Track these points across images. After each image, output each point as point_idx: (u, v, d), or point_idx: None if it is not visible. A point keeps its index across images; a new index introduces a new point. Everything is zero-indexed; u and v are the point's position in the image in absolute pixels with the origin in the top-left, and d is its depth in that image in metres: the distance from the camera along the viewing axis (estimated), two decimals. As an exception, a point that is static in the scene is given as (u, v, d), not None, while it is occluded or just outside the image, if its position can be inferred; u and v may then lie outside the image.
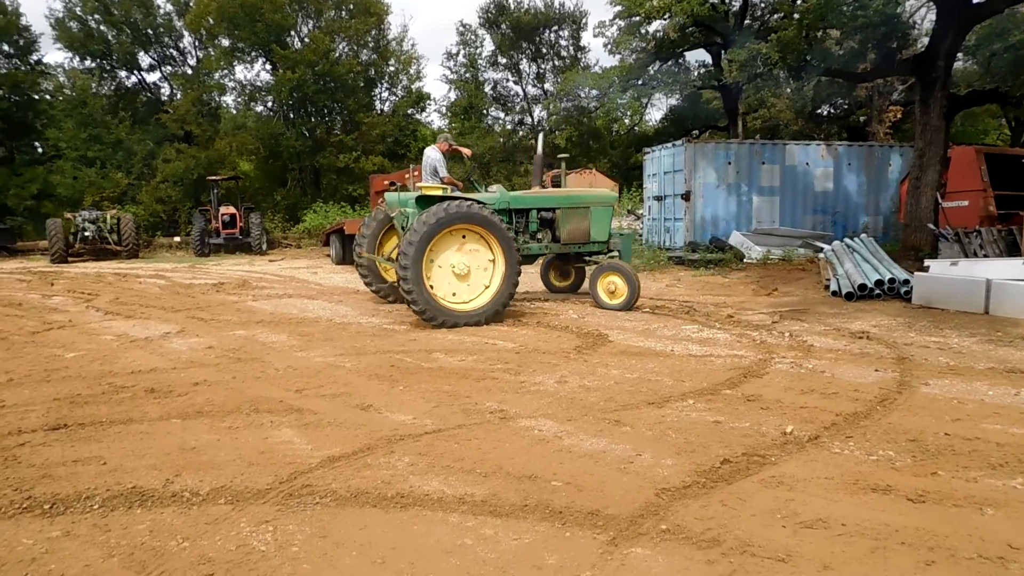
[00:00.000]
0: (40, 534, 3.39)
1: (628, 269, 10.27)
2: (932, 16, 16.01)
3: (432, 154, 10.96)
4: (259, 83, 36.10)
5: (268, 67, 35.15)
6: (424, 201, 9.13)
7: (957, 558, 3.00)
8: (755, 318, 9.13)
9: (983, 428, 4.70)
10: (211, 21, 32.73)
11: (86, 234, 24.12)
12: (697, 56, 31.05)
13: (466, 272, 8.98)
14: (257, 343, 8.10)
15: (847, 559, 3.01)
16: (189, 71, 37.11)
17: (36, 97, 36.48)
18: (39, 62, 36.74)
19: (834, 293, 11.04)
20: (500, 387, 5.90)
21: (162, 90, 38.79)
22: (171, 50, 37.57)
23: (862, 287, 10.57)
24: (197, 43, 36.88)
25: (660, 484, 3.82)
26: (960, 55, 18.61)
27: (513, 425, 4.87)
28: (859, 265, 11.49)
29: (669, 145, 18.25)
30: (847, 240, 13.04)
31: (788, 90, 29.39)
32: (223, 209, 25.89)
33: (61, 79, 38.20)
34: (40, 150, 37.82)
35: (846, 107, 32.13)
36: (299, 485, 3.87)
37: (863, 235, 13.74)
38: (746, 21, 23.28)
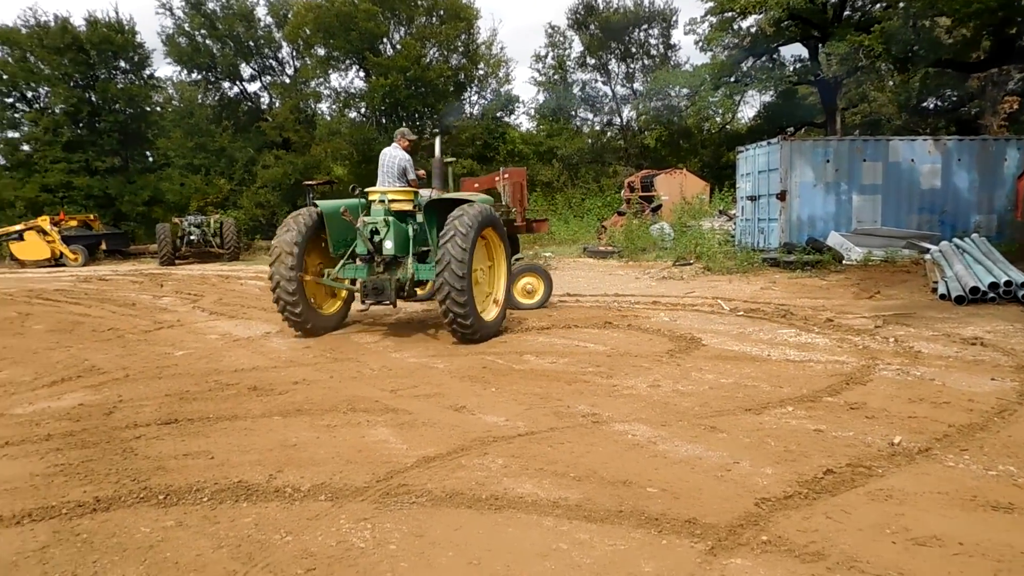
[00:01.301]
0: (156, 523, 3.58)
1: (541, 267, 10.48)
2: (1055, -1, 14.94)
3: (398, 154, 9.19)
4: (353, 90, 37.16)
5: (361, 74, 36.13)
6: (438, 206, 8.45)
7: (1092, 584, 2.78)
8: (856, 322, 8.75)
9: (1117, 443, 4.34)
10: (308, 32, 33.88)
11: (191, 237, 25.41)
12: (793, 51, 30.07)
13: (482, 281, 8.41)
14: (352, 343, 8.33)
15: (966, 580, 2.83)
16: (287, 80, 38.54)
17: (148, 109, 38.70)
18: (151, 76, 38.96)
19: (942, 296, 10.44)
20: (592, 390, 5.86)
21: (262, 99, 40.44)
22: (271, 61, 39.12)
23: (974, 290, 9.96)
24: (295, 53, 38.27)
25: (759, 493, 3.71)
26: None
27: (606, 429, 4.83)
28: (970, 267, 10.84)
29: (764, 143, 17.71)
30: (956, 240, 12.34)
31: (891, 83, 28.08)
32: (319, 213, 26.73)
33: (170, 91, 40.46)
34: (151, 159, 40.11)
35: (955, 99, 30.39)
36: (395, 484, 3.95)
37: (974, 235, 12.99)
38: (846, 12, 22.31)
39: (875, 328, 8.32)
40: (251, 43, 37.44)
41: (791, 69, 30.21)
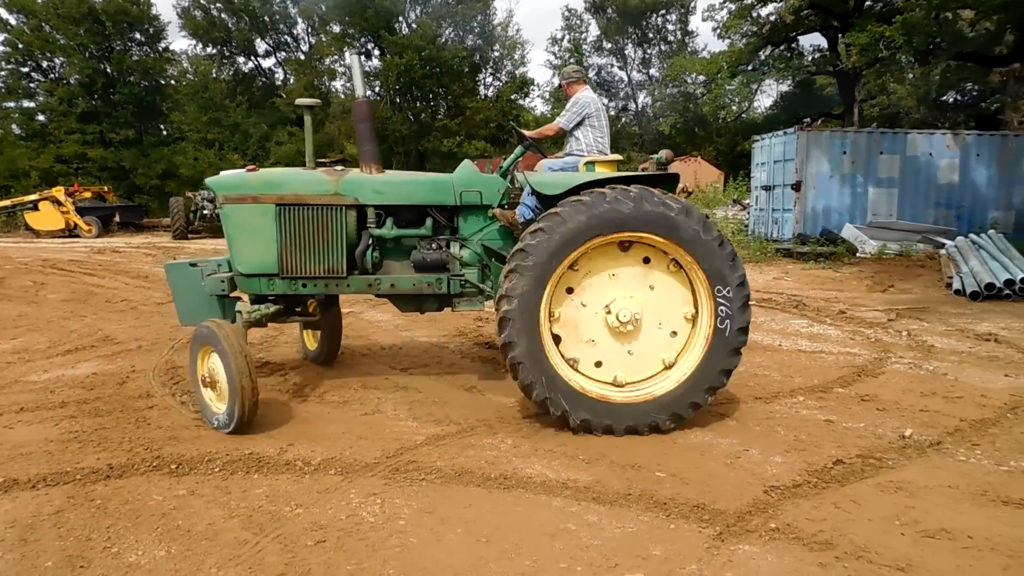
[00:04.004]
0: (169, 491, 3.61)
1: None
2: (1082, -6, 14.70)
3: None
4: (367, 68, 37.05)
5: (377, 52, 36.00)
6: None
7: (1102, 581, 2.78)
8: (869, 315, 8.71)
9: None
10: (323, 8, 33.80)
11: (204, 212, 25.43)
12: (812, 40, 29.80)
13: None
14: (364, 321, 8.35)
15: (976, 574, 2.83)
16: (302, 57, 38.47)
17: (163, 82, 38.78)
18: (166, 49, 39.03)
19: (957, 292, 10.37)
20: (602, 374, 5.85)
21: (276, 75, 40.43)
22: (286, 36, 39.08)
23: (989, 286, 9.89)
24: (310, 30, 38.19)
25: (769, 481, 3.71)
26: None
27: (616, 413, 4.83)
28: (986, 263, 10.75)
29: (780, 133, 17.57)
30: (973, 236, 12.23)
31: (911, 76, 27.79)
32: (331, 191, 26.76)
33: (185, 65, 40.45)
34: (165, 132, 40.19)
35: (976, 94, 30.08)
36: (405, 460, 3.97)
37: (991, 231, 12.86)
38: (867, 2, 22.04)
39: (888, 321, 8.28)
40: (266, 18, 37.39)
41: (810, 59, 29.91)
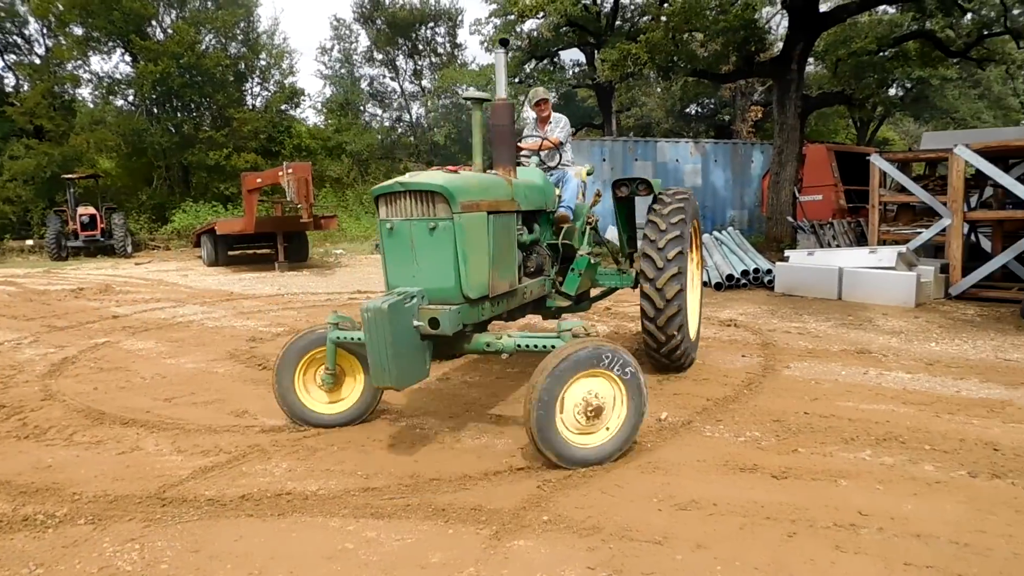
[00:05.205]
0: None
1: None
2: (786, 23, 17.08)
3: None
4: (118, 75, 33.88)
5: (128, 59, 33.03)
6: None
7: (815, 528, 3.21)
8: (631, 310, 9.43)
9: (837, 406, 5.06)
10: (60, 7, 30.40)
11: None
12: (572, 55, 31.80)
13: None
14: (121, 351, 7.62)
15: (719, 537, 3.16)
16: (37, 61, 34.33)
17: None
18: None
19: (704, 284, 11.55)
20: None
21: (6, 80, 35.68)
22: (15, 37, 34.59)
23: (729, 277, 11.15)
24: (45, 31, 34.15)
25: (543, 476, 3.88)
26: (811, 59, 19.94)
27: (396, 424, 4.82)
28: (727, 256, 12.10)
29: (547, 142, 18.58)
30: (715, 233, 13.69)
31: (658, 89, 30.58)
32: (81, 210, 24.16)
33: None
34: None
35: (712, 106, 33.78)
36: (169, 498, 3.67)
37: (730, 228, 14.49)
38: (617, 22, 23.98)
39: (647, 315, 9.01)
40: (-11, 16, 32.95)
41: (571, 73, 31.90)
